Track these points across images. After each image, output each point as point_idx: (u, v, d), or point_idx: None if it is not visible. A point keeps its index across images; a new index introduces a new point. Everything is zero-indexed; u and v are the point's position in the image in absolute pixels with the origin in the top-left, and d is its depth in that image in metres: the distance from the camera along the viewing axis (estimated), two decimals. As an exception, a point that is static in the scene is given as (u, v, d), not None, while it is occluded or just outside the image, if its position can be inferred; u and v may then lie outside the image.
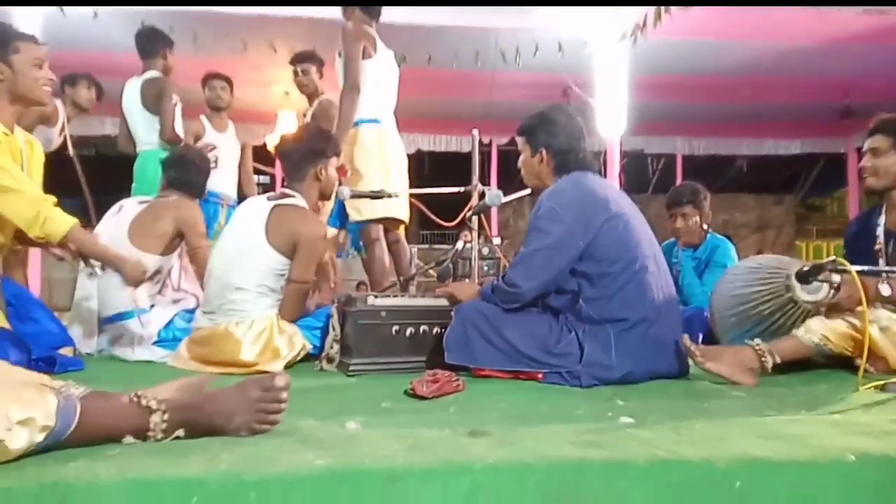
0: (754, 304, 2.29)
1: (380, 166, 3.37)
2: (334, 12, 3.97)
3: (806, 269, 2.14)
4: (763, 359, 2.07)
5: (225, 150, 4.48)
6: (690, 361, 2.14)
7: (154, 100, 3.94)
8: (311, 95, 4.26)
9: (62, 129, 4.08)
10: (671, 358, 2.13)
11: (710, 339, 2.58)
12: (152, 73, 4.02)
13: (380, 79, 3.44)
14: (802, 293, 2.17)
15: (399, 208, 3.45)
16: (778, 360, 2.08)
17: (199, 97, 4.47)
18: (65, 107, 4.07)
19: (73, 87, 4.07)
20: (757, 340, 2.12)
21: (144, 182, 3.89)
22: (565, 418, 1.56)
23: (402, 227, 3.66)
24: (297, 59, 4.25)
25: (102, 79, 4.44)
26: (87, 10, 4.10)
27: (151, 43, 4.04)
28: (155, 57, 4.03)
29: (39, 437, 1.07)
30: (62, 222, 2.31)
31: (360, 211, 3.37)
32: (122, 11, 4.12)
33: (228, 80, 4.50)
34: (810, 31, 4.71)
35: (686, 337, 2.09)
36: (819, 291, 2.16)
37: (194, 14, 4.17)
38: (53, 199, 2.34)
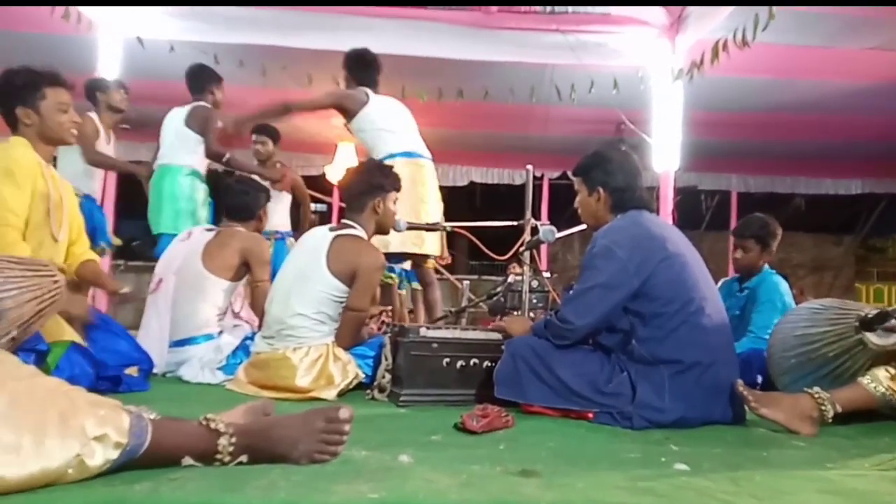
0: (819, 346, 2.20)
1: (411, 200, 3.35)
2: (395, 47, 4.10)
3: (870, 315, 2.08)
4: (823, 408, 1.97)
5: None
6: (746, 407, 2.08)
7: (200, 120, 3.98)
8: None
9: (108, 137, 4.12)
10: (727, 404, 2.08)
11: (771, 382, 2.50)
12: (201, 103, 4.09)
13: (392, 116, 3.55)
14: (873, 336, 2.08)
15: (419, 245, 3.45)
16: (839, 410, 1.98)
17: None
18: (100, 115, 4.07)
19: (105, 92, 4.08)
20: (816, 388, 2.03)
21: (161, 196, 3.93)
22: (616, 461, 1.55)
23: (429, 262, 3.67)
24: None
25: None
26: (164, 42, 4.34)
27: (198, 80, 4.12)
28: (202, 93, 4.10)
29: (114, 455, 1.10)
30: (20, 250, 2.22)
31: (383, 244, 3.35)
32: (197, 44, 4.35)
33: (271, 134, 4.62)
34: (871, 70, 4.60)
35: (740, 382, 2.03)
36: (891, 336, 2.07)
37: (263, 49, 4.37)
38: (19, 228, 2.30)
